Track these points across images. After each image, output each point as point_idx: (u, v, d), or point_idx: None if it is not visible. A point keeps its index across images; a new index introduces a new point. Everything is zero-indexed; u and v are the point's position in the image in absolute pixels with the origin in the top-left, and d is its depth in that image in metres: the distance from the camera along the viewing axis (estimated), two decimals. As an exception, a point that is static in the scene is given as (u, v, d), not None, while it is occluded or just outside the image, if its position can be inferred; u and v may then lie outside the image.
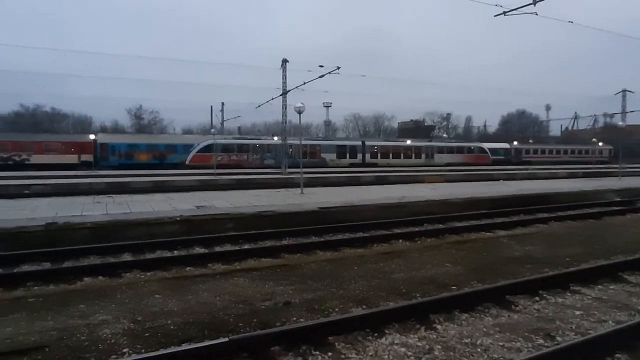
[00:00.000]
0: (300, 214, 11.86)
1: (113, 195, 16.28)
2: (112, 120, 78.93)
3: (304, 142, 48.71)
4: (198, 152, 42.60)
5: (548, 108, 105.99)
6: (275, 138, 46.28)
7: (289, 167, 37.43)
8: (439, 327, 4.82)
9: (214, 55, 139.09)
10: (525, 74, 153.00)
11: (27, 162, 38.30)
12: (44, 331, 4.57)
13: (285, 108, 35.83)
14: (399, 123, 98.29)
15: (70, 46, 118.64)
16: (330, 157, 48.23)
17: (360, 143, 51.48)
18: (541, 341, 4.48)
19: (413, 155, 52.83)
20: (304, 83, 30.97)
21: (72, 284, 6.66)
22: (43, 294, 5.93)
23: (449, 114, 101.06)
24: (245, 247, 9.08)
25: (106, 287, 6.21)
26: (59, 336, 4.44)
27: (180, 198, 15.15)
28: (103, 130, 67.83)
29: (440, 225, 11.78)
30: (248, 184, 24.66)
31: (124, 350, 4.21)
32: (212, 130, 39.81)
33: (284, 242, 9.69)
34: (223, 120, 51.56)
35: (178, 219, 10.48)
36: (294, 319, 4.99)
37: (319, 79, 29.06)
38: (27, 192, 19.79)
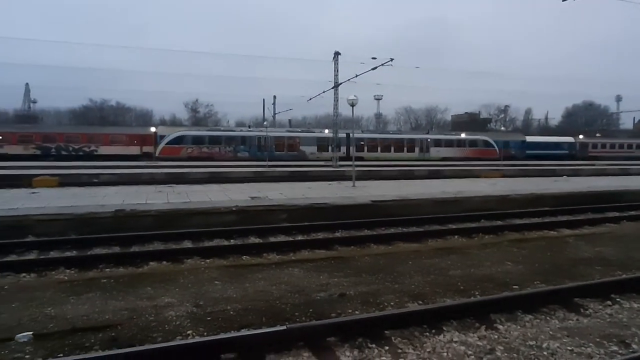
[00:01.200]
0: (352, 206, 11.83)
1: (173, 185, 17.09)
2: (171, 114, 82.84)
3: (282, 133, 47.35)
4: (167, 144, 40.89)
5: (619, 99, 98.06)
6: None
7: (261, 160, 36.40)
8: (500, 327, 4.63)
9: (268, 49, 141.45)
10: (594, 63, 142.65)
11: (95, 153, 41.08)
12: (115, 310, 4.89)
13: (337, 101, 35.72)
14: (452, 116, 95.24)
15: (136, 43, 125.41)
16: (310, 150, 45.24)
17: (344, 136, 46.28)
18: (615, 348, 4.18)
19: (405, 148, 48.38)
20: (356, 76, 30.77)
21: (139, 268, 7.09)
22: (114, 276, 6.34)
23: (506, 106, 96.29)
24: (299, 238, 9.21)
25: (170, 272, 6.53)
26: (129, 316, 4.73)
27: (235, 189, 15.63)
28: (162, 123, 71.23)
29: (499, 222, 11.30)
30: (300, 176, 24.99)
31: (188, 332, 4.41)
32: (265, 123, 40.74)
33: (337, 234, 9.73)
34: (275, 113, 52.56)
35: (234, 209, 10.81)
36: (350, 311, 4.99)
37: (371, 71, 28.78)
38: (96, 180, 21.28)
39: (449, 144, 50.21)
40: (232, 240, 8.98)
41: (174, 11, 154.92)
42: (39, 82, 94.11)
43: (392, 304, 5.23)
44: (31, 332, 4.23)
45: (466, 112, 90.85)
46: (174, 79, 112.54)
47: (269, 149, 42.06)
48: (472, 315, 4.79)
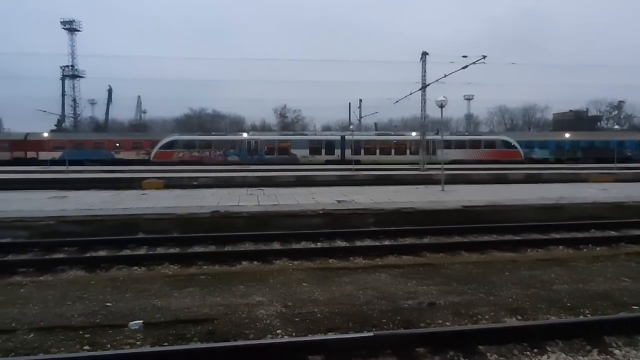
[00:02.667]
0: (441, 212, 11.38)
1: (263, 188, 17.89)
2: (261, 119, 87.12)
3: (272, 137, 46.36)
4: (160, 148, 42.24)
5: None
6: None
7: (253, 164, 36.02)
8: (616, 352, 4.09)
9: (354, 53, 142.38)
10: None
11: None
12: (213, 305, 5.21)
13: (424, 102, 34.72)
14: (554, 114, 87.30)
15: (230, 55, 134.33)
16: (301, 153, 43.52)
17: (338, 137, 45.11)
18: None
19: (408, 150, 44.13)
20: (445, 76, 29.55)
21: (233, 266, 7.51)
22: (211, 273, 6.78)
23: (620, 102, 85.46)
24: (386, 243, 9.07)
25: (260, 272, 6.81)
26: (224, 311, 5.01)
27: (321, 192, 15.89)
28: (253, 128, 75.22)
29: (613, 233, 10.07)
30: (386, 180, 24.67)
31: (278, 331, 4.54)
32: (351, 126, 40.90)
33: (425, 240, 9.41)
34: (361, 117, 52.50)
35: (320, 212, 10.99)
36: (440, 321, 4.77)
37: (462, 70, 27.46)
38: (195, 183, 23.07)
39: (459, 145, 45.14)
40: (319, 243, 9.12)
41: (263, 21, 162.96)
42: (149, 94, 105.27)
43: (486, 317, 4.89)
44: (142, 321, 4.67)
45: (570, 110, 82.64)
46: (264, 86, 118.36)
47: (259, 152, 42.84)
48: (582, 336, 4.29)
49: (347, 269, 6.98)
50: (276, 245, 8.95)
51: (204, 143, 43.93)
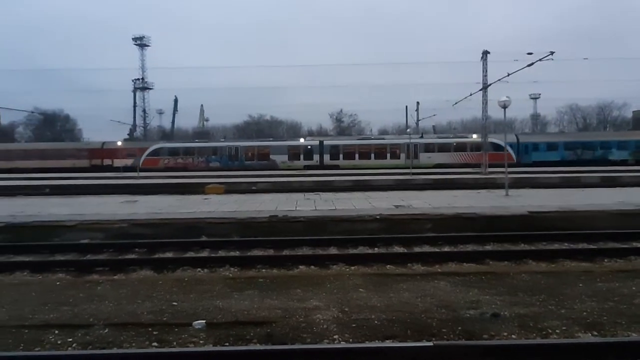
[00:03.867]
0: (506, 217, 10.82)
1: (320, 193, 18.03)
2: (317, 125, 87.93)
3: (252, 143, 46.91)
4: (147, 156, 43.89)
5: None
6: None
7: (234, 169, 36.49)
8: None
9: (411, 54, 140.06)
10: None
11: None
12: (270, 308, 5.31)
13: (486, 103, 33.32)
14: (633, 112, 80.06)
15: (287, 61, 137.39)
16: (281, 159, 44.03)
17: (317, 143, 45.02)
18: None
19: (388, 155, 42.94)
20: (508, 74, 28.20)
21: (290, 270, 7.62)
22: (269, 276, 6.92)
23: None
24: (446, 249, 8.78)
25: (317, 276, 6.84)
26: (282, 315, 5.08)
27: (378, 197, 15.73)
28: (310, 133, 76.16)
29: None
30: (445, 184, 23.94)
31: (335, 336, 4.52)
32: (408, 130, 40.11)
33: (488, 247, 8.98)
34: (418, 120, 51.45)
35: (377, 217, 10.86)
36: (505, 334, 4.51)
37: (527, 68, 26.06)
38: (254, 188, 23.74)
39: (443, 148, 43.35)
40: (376, 249, 9.02)
41: (316, 28, 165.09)
42: (211, 103, 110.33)
43: (557, 331, 4.55)
44: (204, 321, 4.85)
45: (653, 107, 75.38)
46: (321, 91, 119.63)
47: (239, 158, 44.16)
48: (671, 357, 3.86)
49: (405, 275, 6.84)
50: (333, 250, 8.97)
51: (187, 150, 45.96)
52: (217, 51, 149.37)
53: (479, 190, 18.28)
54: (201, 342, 4.42)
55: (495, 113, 39.36)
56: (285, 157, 44.26)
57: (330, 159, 43.10)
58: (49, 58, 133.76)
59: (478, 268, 7.32)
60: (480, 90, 33.04)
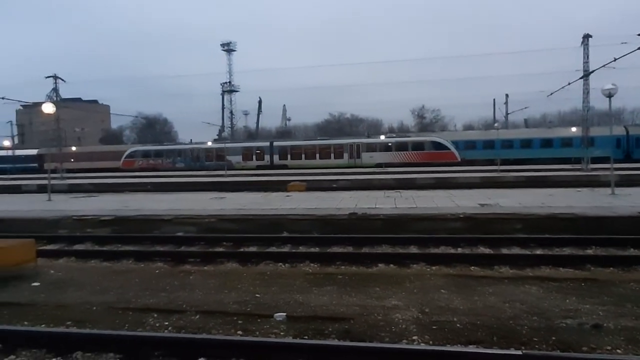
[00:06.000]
0: (611, 219, 9.71)
1: (400, 191, 17.69)
2: (398, 121, 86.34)
3: (211, 145, 50.17)
4: (125, 158, 49.78)
5: None
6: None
7: (196, 169, 39.27)
8: None
9: (498, 44, 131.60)
10: None
11: None
12: (349, 305, 5.32)
13: (588, 93, 30.23)
14: None
15: (367, 58, 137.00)
16: (236, 159, 47.08)
17: (267, 144, 48.24)
18: None
19: (332, 155, 44.18)
20: (615, 59, 25.26)
21: (369, 268, 7.58)
22: (348, 273, 6.95)
23: None
24: (538, 252, 8.12)
25: (396, 275, 6.72)
26: (360, 312, 5.07)
27: (462, 195, 15.03)
28: (391, 130, 75.02)
29: None
30: (539, 182, 22.13)
31: (414, 337, 4.41)
32: (496, 124, 37.83)
33: (589, 251, 8.14)
34: (507, 113, 48.27)
35: (461, 216, 10.38)
36: (608, 347, 4.05)
37: (638, 51, 23.12)
38: (335, 186, 24.01)
39: (385, 148, 43.78)
40: (459, 249, 8.63)
41: (397, 23, 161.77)
42: (293, 102, 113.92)
43: (674, 349, 3.99)
44: (285, 314, 5.02)
45: None
46: (402, 87, 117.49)
47: (200, 159, 48.44)
48: None
49: (491, 278, 6.45)
50: (413, 249, 8.75)
51: (157, 153, 50.87)
52: (298, 52, 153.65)
53: (579, 189, 16.61)
54: (282, 333, 4.58)
55: (599, 103, 35.51)
56: (239, 158, 47.78)
57: (280, 159, 46.26)
58: (150, 67, 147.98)
59: (576, 274, 6.65)
60: (581, 78, 30.02)
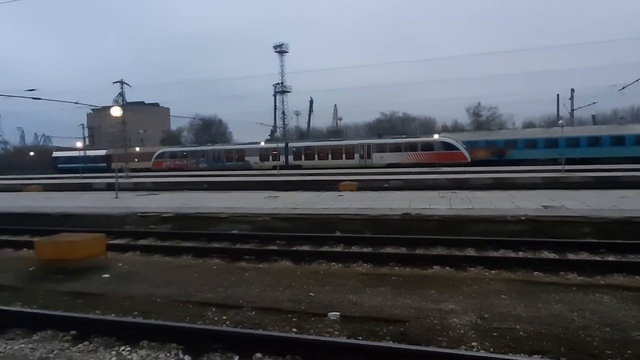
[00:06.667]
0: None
1: (456, 191, 17.14)
2: (452, 120, 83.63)
3: (231, 147, 55.23)
4: (155, 159, 54.26)
5: None
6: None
7: (217, 169, 42.41)
8: None
9: (561, 35, 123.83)
10: None
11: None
12: (404, 307, 5.22)
13: (666, 85, 27.64)
14: None
15: (418, 56, 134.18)
16: (254, 160, 49.97)
17: (283, 145, 50.30)
18: None
19: (344, 155, 45.55)
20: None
21: (424, 270, 7.40)
22: (402, 274, 6.83)
23: None
24: (610, 258, 7.54)
25: (453, 278, 6.51)
26: (415, 315, 4.96)
27: (522, 196, 14.30)
28: (444, 129, 72.86)
29: None
30: (609, 183, 20.56)
31: (473, 344, 4.24)
32: (560, 122, 35.60)
33: (671, 259, 7.44)
34: (572, 109, 45.31)
35: (522, 218, 9.87)
36: (695, 366, 3.68)
37: None
38: (386, 185, 23.72)
39: (395, 148, 44.69)
40: (520, 253, 8.21)
41: (447, 20, 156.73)
42: (344, 102, 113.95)
43: None
44: (339, 313, 5.01)
45: None
46: (456, 84, 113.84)
47: (221, 160, 51.70)
48: None
49: (557, 284, 6.07)
50: (470, 252, 8.43)
51: (182, 154, 54.88)
52: (350, 52, 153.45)
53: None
54: (336, 332, 4.58)
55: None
56: (257, 159, 50.43)
57: (294, 160, 48.55)
58: (206, 70, 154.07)
59: (655, 283, 6.11)
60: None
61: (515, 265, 7.31)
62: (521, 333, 4.42)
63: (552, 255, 7.95)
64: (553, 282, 6.22)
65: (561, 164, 29.19)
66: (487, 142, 44.08)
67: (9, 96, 27.76)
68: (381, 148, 45.40)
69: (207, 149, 55.30)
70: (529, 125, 73.05)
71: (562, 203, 11.98)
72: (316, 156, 48.08)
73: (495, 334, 4.42)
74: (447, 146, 42.89)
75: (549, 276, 6.78)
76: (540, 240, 8.62)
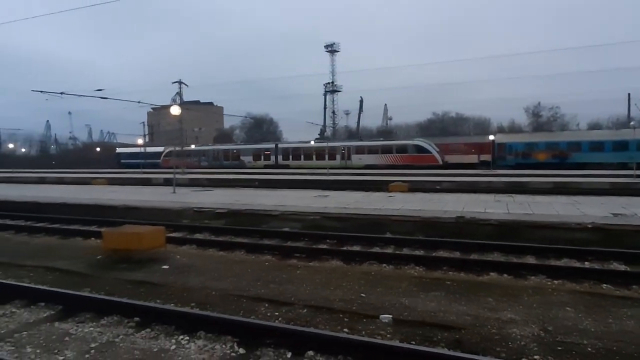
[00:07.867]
0: None
1: (513, 195, 16.35)
2: (509, 120, 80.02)
3: (228, 147, 60.44)
4: (164, 157, 56.34)
5: None
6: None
7: (216, 168, 46.33)
8: None
9: (629, 31, 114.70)
10: None
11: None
12: (459, 314, 5.05)
13: None
14: None
15: (473, 54, 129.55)
16: (247, 159, 54.05)
17: (273, 146, 55.20)
18: None
19: (327, 156, 47.44)
20: None
21: (479, 276, 7.11)
22: (456, 280, 6.61)
23: None
24: (691, 273, 6.87)
25: (511, 286, 6.21)
26: (472, 322, 4.78)
27: (588, 202, 13.40)
28: (500, 130, 69.85)
29: None
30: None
31: (535, 357, 4.02)
32: (632, 123, 32.99)
33: None
34: (645, 110, 41.83)
35: (589, 226, 9.23)
36: None
37: None
38: (438, 187, 23.09)
39: (372, 150, 47.77)
40: (586, 263, 7.68)
41: (503, 17, 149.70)
42: (395, 102, 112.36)
43: None
44: (391, 316, 4.93)
45: None
46: (513, 83, 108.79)
47: (219, 159, 56.07)
48: None
49: (629, 299, 5.64)
50: (530, 260, 7.99)
51: (186, 153, 54.87)
52: (401, 51, 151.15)
53: None
54: (388, 335, 4.51)
55: None
56: (250, 158, 54.20)
57: (283, 160, 52.01)
58: (259, 70, 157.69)
59: None
60: None
61: (580, 276, 6.85)
62: (589, 349, 4.14)
63: (622, 267, 7.37)
64: (624, 296, 5.78)
65: (632, 169, 27.00)
66: (548, 143, 41.80)
67: (80, 96, 29.89)
68: (360, 150, 48.77)
69: (208, 149, 60.33)
70: (594, 126, 68.37)
71: (634, 211, 11.08)
72: (302, 157, 51.89)
73: (559, 348, 4.17)
74: (420, 149, 45.32)
75: (619, 289, 6.29)
76: (609, 251, 8.02)
